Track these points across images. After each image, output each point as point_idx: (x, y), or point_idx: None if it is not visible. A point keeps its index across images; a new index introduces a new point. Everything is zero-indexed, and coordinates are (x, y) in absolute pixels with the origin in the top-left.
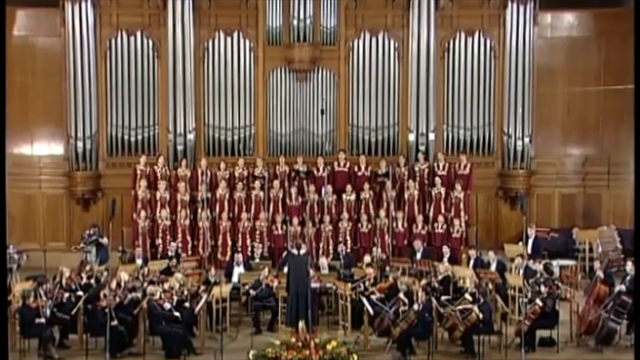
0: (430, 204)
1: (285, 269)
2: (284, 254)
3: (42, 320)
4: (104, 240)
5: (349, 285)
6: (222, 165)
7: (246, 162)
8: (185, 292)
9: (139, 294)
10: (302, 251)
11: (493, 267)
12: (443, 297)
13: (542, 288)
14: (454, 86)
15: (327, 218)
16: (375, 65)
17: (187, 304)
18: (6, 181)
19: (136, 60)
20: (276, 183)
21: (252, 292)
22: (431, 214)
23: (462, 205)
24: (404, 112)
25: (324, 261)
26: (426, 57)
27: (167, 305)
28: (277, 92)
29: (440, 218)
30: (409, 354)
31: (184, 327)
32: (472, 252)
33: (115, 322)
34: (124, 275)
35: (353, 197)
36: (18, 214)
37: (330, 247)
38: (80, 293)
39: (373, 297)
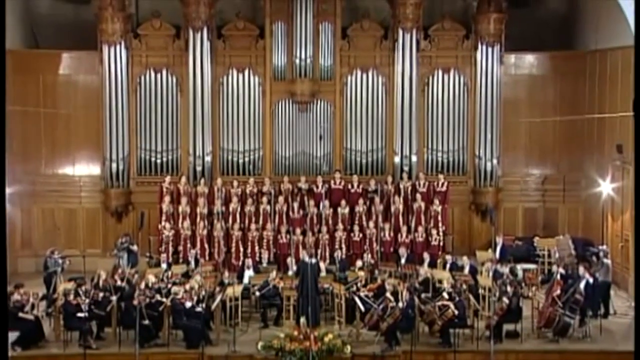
0: (412, 216)
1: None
2: (289, 260)
3: (82, 315)
4: (134, 247)
5: (344, 286)
6: (235, 183)
7: (255, 180)
8: (203, 292)
9: (164, 294)
10: (314, 259)
11: (466, 270)
12: (423, 295)
13: (508, 288)
14: (433, 115)
15: (324, 228)
16: (365, 97)
17: (204, 302)
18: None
19: (162, 93)
20: (281, 198)
21: (257, 293)
22: (413, 225)
23: (440, 218)
24: (391, 138)
25: (322, 265)
26: (409, 91)
27: (188, 303)
28: (281, 121)
29: (420, 228)
30: (395, 344)
31: (202, 322)
32: (449, 258)
33: (146, 322)
34: (151, 278)
35: (347, 210)
36: (62, 225)
37: (327, 253)
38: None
39: (362, 294)
